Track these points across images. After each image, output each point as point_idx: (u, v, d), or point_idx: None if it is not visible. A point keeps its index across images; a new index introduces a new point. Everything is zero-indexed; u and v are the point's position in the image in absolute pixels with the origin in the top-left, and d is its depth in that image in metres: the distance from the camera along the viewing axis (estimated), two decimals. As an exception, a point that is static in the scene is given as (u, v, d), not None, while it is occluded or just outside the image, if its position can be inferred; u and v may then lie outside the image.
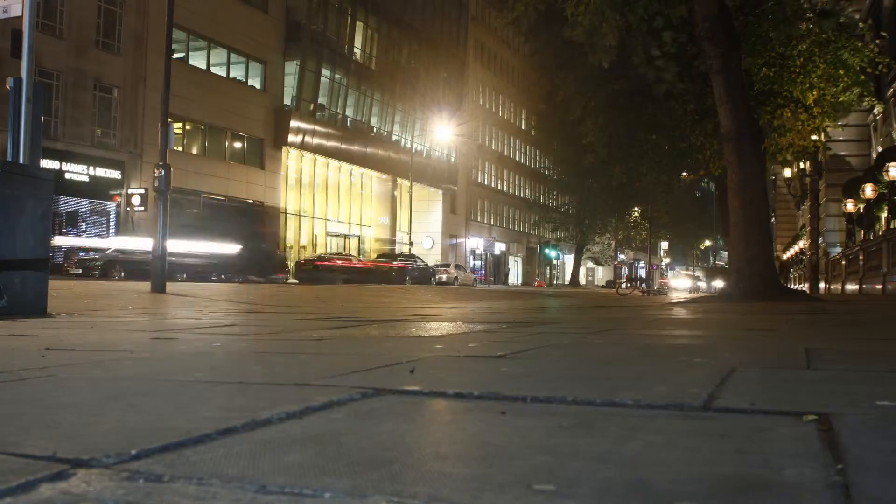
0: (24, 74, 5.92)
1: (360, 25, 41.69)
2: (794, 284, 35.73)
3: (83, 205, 27.54)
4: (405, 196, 45.75)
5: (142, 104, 28.38)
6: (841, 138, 26.67)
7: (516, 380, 2.33)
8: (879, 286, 19.37)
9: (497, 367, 2.60)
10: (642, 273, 47.52)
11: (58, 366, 2.59)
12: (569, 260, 68.04)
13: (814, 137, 17.80)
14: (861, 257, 22.13)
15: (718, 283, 36.59)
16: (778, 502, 1.05)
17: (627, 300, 15.95)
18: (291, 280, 19.55)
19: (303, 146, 37.74)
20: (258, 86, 35.92)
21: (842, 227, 28.28)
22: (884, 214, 22.18)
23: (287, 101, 36.91)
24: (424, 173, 47.75)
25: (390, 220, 46.14)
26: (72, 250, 24.46)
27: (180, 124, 30.81)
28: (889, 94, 23.01)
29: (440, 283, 37.69)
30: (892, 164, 19.82)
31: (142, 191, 26.29)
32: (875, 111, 24.19)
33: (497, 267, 60.76)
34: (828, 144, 23.10)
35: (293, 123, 36.57)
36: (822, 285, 29.56)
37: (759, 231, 12.06)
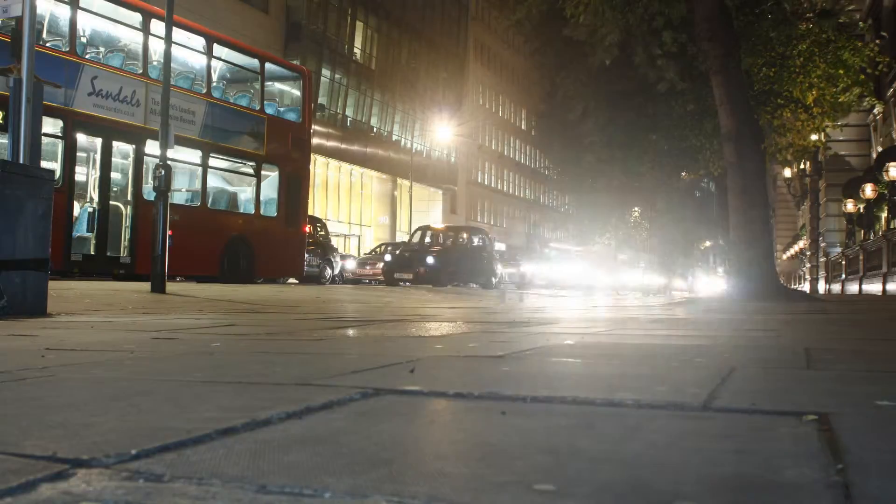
0: (24, 74, 5.92)
1: (360, 25, 41.70)
2: (796, 284, 35.74)
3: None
4: (405, 196, 45.76)
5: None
6: (841, 138, 26.68)
7: (516, 380, 2.33)
8: (879, 286, 19.38)
9: (497, 367, 2.60)
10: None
11: (58, 366, 2.59)
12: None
13: (814, 137, 17.81)
14: (861, 257, 22.15)
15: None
16: (778, 502, 1.05)
17: (624, 300, 15.95)
18: (291, 280, 19.53)
19: (303, 146, 37.76)
20: (258, 86, 35.94)
21: (842, 227, 28.31)
22: (884, 214, 22.20)
23: (287, 101, 36.97)
24: (424, 173, 47.76)
25: (390, 220, 46.14)
26: None
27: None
28: (889, 93, 23.01)
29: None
30: (892, 164, 19.84)
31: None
32: (875, 111, 24.20)
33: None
34: (828, 144, 23.12)
35: (293, 123, 36.59)
36: (822, 285, 29.57)
37: (759, 231, 12.06)
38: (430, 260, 21.95)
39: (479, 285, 23.04)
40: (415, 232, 26.50)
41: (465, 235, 24.97)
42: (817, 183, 30.14)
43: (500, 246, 60.57)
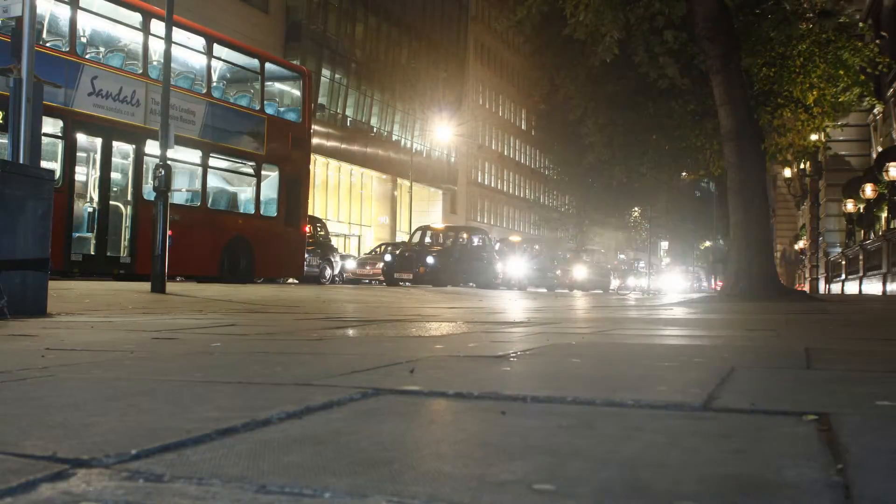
0: (24, 74, 5.92)
1: (360, 25, 41.69)
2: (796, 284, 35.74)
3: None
4: (405, 196, 45.76)
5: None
6: (841, 138, 26.67)
7: (516, 380, 2.33)
8: (879, 286, 19.38)
9: (497, 367, 2.60)
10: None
11: (58, 366, 2.59)
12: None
13: (814, 137, 17.81)
14: (861, 257, 22.15)
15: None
16: (778, 502, 1.05)
17: (625, 301, 15.95)
18: (291, 280, 19.54)
19: (303, 146, 37.74)
20: (258, 85, 35.94)
21: (842, 227, 28.30)
22: (884, 214, 22.19)
23: (287, 101, 36.96)
24: (424, 173, 47.76)
25: (390, 220, 46.14)
26: None
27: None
28: (889, 94, 23.01)
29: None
30: (892, 164, 19.83)
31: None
32: (875, 111, 24.19)
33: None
34: (828, 144, 23.11)
35: (293, 123, 36.58)
36: (822, 285, 29.58)
37: (759, 231, 12.06)
38: (430, 260, 21.95)
39: (479, 285, 23.01)
40: (415, 232, 26.40)
41: (465, 235, 24.99)
42: (817, 183, 30.14)
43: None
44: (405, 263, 22.36)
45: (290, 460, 1.24)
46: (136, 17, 13.96)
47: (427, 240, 24.31)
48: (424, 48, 47.55)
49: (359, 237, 44.32)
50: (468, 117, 52.14)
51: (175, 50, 12.25)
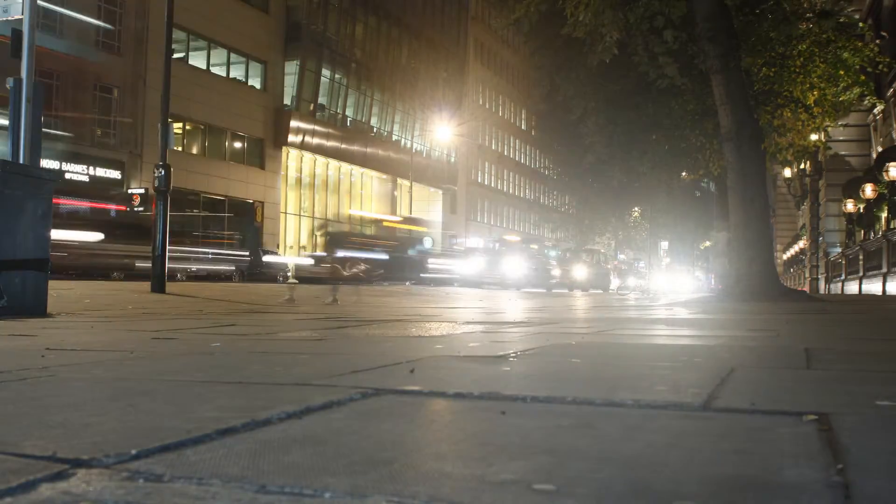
0: (24, 74, 5.92)
1: (360, 25, 41.70)
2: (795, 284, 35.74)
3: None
4: (405, 196, 45.76)
5: (142, 104, 28.37)
6: (841, 138, 26.67)
7: (516, 380, 2.33)
8: (879, 286, 19.37)
9: (497, 367, 2.60)
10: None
11: (58, 366, 2.59)
12: (569, 260, 67.84)
13: (814, 137, 17.81)
14: (861, 257, 22.14)
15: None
16: (778, 502, 1.05)
17: (625, 301, 15.94)
18: (291, 280, 19.58)
19: (303, 146, 37.76)
20: (258, 86, 35.93)
21: (842, 227, 28.29)
22: (884, 214, 22.19)
23: (287, 101, 36.93)
24: (424, 173, 47.76)
25: (390, 220, 46.15)
26: None
27: (180, 124, 30.80)
28: (889, 93, 23.01)
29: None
30: (892, 164, 19.83)
31: (141, 191, 26.47)
32: (875, 111, 24.19)
33: (497, 267, 60.60)
34: (828, 144, 23.10)
35: (293, 123, 36.59)
36: (822, 285, 29.58)
37: (759, 231, 12.06)
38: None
39: (469, 284, 23.34)
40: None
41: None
42: (817, 183, 30.13)
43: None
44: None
45: (290, 460, 1.24)
46: None
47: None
48: (424, 48, 47.54)
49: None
50: (468, 117, 52.14)
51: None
